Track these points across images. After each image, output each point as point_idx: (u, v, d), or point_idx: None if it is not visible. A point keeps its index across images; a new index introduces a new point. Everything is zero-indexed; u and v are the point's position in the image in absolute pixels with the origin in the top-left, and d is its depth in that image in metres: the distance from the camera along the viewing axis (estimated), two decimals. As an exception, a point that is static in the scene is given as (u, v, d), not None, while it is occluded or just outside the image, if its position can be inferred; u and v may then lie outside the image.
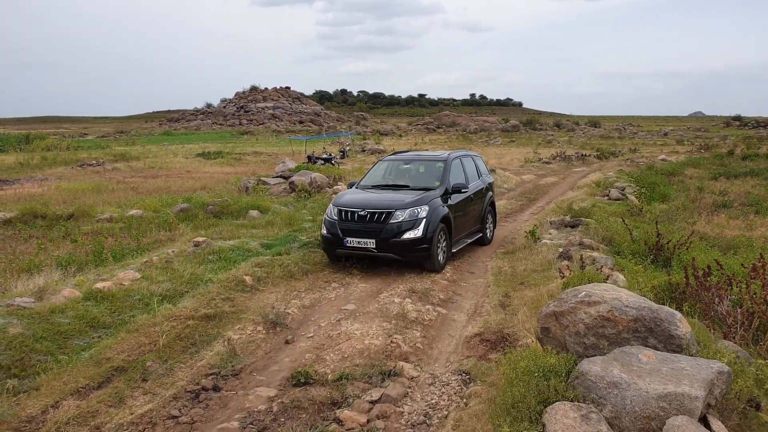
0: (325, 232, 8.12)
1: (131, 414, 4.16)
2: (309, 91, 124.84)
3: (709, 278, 4.87)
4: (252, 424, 4.07)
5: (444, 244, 8.17)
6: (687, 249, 7.49)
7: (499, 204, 13.96)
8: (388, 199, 8.14)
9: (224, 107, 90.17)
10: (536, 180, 20.93)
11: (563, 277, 6.19)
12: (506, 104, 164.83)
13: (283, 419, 4.13)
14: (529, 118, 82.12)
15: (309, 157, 23.59)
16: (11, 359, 4.64)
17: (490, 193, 10.47)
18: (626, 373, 3.15)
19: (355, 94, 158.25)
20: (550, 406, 3.14)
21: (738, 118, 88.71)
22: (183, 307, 6.05)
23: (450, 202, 8.51)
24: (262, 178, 17.15)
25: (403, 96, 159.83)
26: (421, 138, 51.48)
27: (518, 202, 15.43)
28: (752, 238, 9.45)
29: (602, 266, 6.53)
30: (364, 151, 33.99)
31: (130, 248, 9.05)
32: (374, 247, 7.69)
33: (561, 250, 8.09)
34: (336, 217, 8.03)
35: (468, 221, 9.32)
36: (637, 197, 14.13)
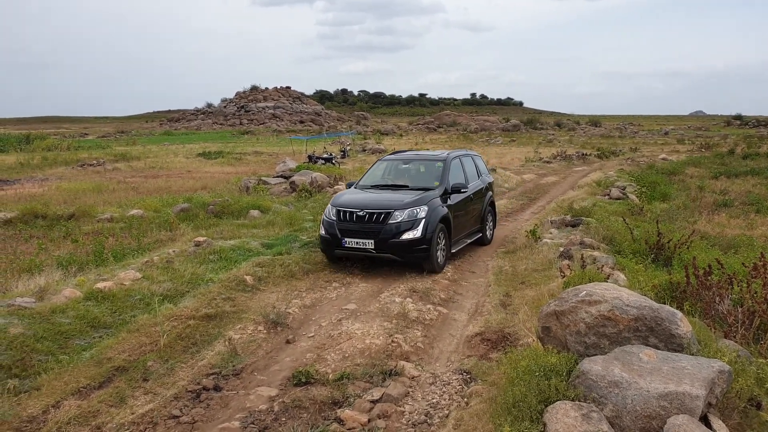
0: (323, 232, 8.09)
1: (132, 414, 4.16)
2: (309, 91, 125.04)
3: (709, 277, 4.87)
4: (253, 423, 4.07)
5: (443, 245, 8.14)
6: (688, 248, 7.49)
7: (500, 203, 13.96)
8: (386, 199, 8.12)
9: (225, 107, 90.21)
10: (537, 179, 20.91)
11: (564, 277, 6.18)
12: (507, 104, 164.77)
13: (284, 419, 4.13)
14: (530, 118, 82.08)
15: (309, 157, 23.59)
16: (12, 359, 4.65)
17: (490, 192, 10.45)
18: (627, 372, 3.15)
19: (356, 93, 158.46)
20: (551, 406, 3.14)
21: (739, 117, 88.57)
22: (184, 307, 6.05)
23: (449, 202, 8.49)
24: (263, 178, 17.16)
25: (404, 96, 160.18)
26: (421, 137, 51.45)
27: (519, 202, 15.42)
28: (753, 237, 9.44)
29: (603, 265, 6.52)
30: (364, 150, 33.97)
31: (131, 248, 9.06)
32: (373, 247, 7.66)
33: (562, 249, 8.09)
34: (334, 218, 8.01)
35: (468, 221, 9.29)
36: (637, 196, 14.13)
